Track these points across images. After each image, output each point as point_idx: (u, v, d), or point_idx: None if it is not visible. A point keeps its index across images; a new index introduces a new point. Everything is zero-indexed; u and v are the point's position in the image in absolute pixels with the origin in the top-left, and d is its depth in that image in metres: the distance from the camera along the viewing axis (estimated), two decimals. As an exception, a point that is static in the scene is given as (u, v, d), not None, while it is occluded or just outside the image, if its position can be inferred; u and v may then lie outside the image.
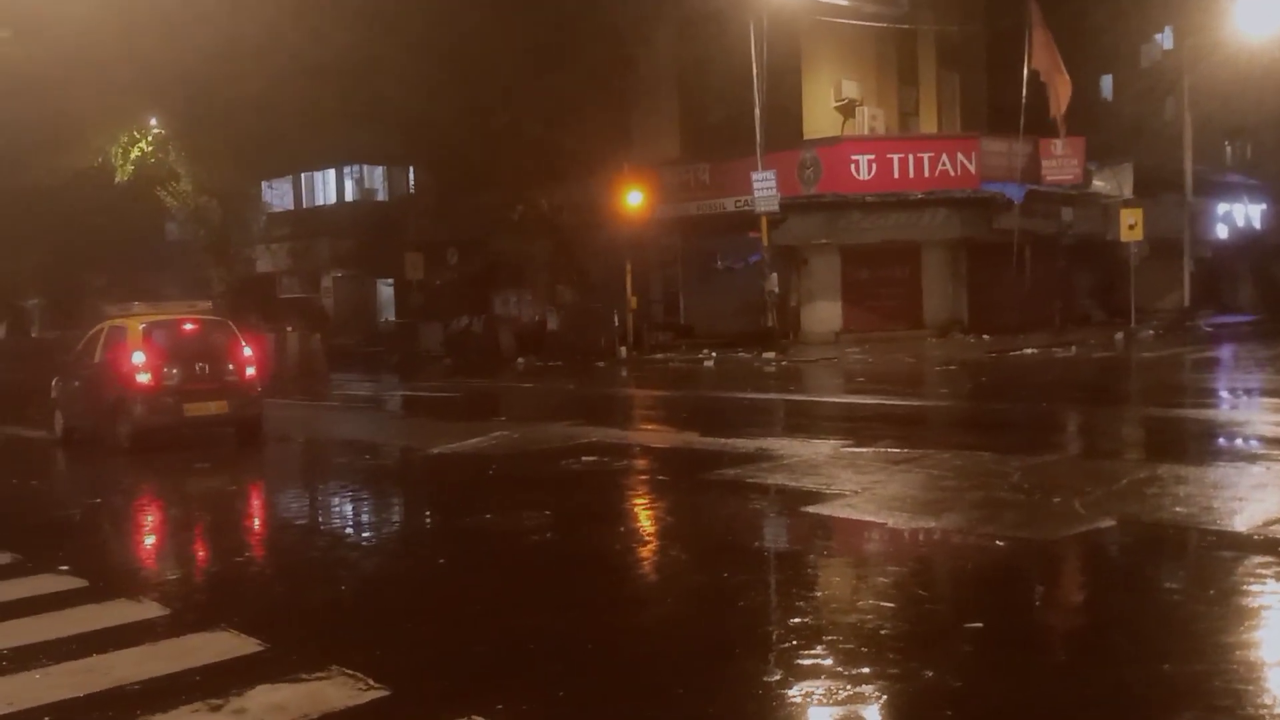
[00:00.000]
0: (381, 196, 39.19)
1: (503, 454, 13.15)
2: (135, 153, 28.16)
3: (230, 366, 15.76)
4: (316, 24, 23.97)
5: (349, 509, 11.04)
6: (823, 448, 12.03)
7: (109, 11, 20.03)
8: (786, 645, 5.70)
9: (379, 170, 38.97)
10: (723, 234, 30.14)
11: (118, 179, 28.36)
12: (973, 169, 29.40)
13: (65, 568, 7.91)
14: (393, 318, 38.67)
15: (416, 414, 20.54)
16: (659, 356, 28.49)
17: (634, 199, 28.52)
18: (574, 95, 28.14)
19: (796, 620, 6.15)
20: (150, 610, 6.82)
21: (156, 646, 6.09)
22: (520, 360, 29.45)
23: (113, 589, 7.34)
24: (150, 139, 28.20)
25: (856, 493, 9.46)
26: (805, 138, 29.78)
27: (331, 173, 39.59)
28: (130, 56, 21.54)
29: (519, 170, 29.80)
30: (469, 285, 35.07)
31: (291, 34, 22.95)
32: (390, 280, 38.59)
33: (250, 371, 15.87)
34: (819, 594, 7.02)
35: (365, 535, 9.77)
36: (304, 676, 5.45)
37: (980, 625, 5.94)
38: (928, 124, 32.24)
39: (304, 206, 40.72)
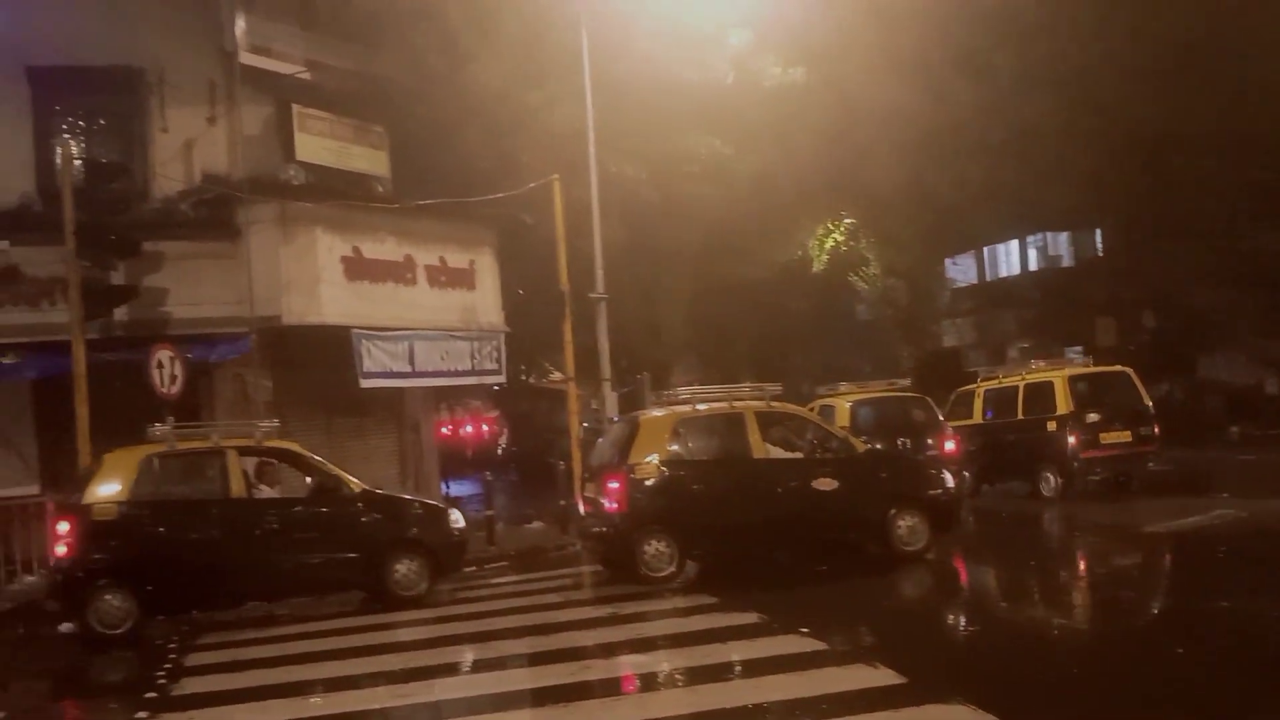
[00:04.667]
0: (1067, 262, 38.07)
1: (1231, 534, 11.97)
2: (830, 243, 30.40)
3: (929, 441, 16.34)
4: (996, 101, 24.19)
5: (1066, 586, 10.75)
6: None
7: (807, 118, 22.03)
8: None
9: (1063, 236, 37.94)
10: None
11: (815, 268, 30.77)
12: None
13: (805, 630, 8.61)
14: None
15: (1121, 488, 19.42)
16: None
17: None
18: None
19: None
20: (886, 677, 7.13)
21: (898, 714, 6.34)
22: (1234, 429, 26.57)
23: (851, 654, 7.84)
24: (842, 229, 30.30)
25: None
26: None
27: (1014, 243, 39.35)
28: (827, 155, 23.39)
29: (1224, 216, 27.18)
30: (1167, 348, 32.52)
31: (973, 115, 23.40)
32: (1079, 347, 37.16)
33: (950, 446, 16.28)
34: None
35: (1087, 614, 9.42)
36: (1049, 762, 5.36)
37: None
38: None
39: (987, 279, 40.89)
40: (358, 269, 16.76)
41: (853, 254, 31.90)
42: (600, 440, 14.10)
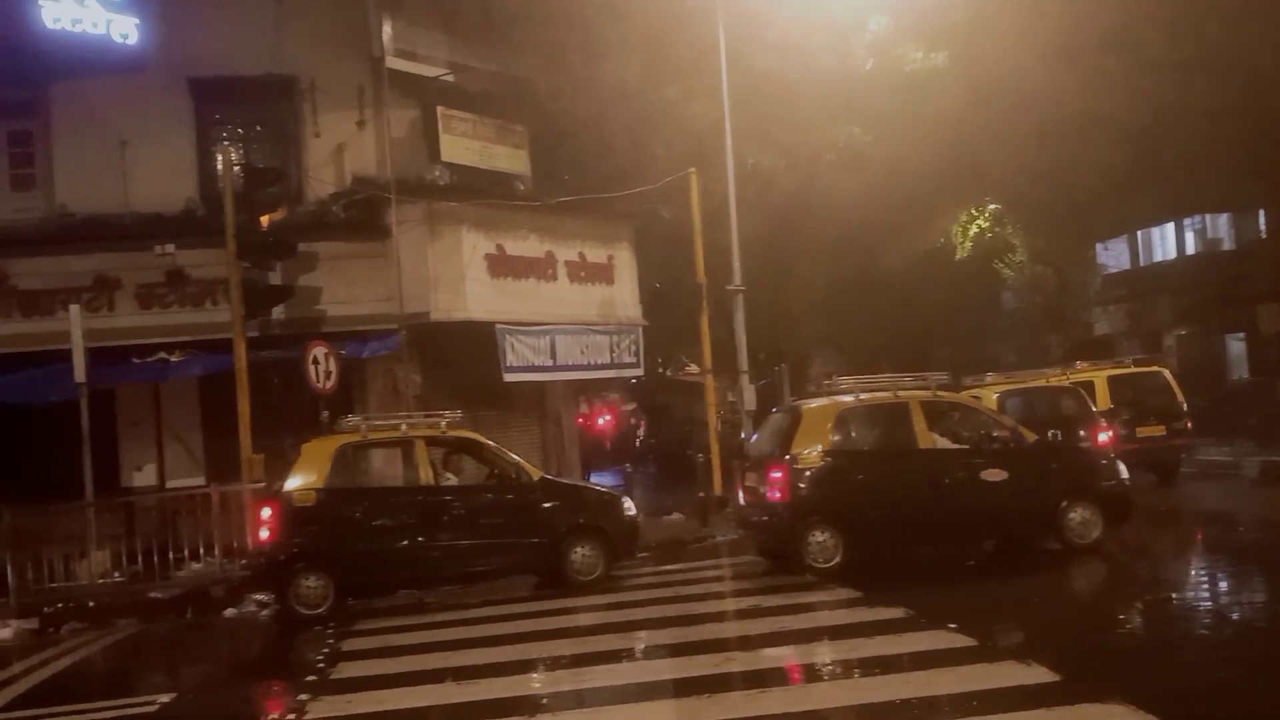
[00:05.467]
0: (1227, 246, 36.28)
1: None
2: (973, 230, 29.55)
3: (1082, 433, 15.83)
4: (1147, 82, 23.17)
5: (1228, 585, 10.30)
6: None
7: (946, 102, 21.48)
8: None
9: (1223, 218, 36.16)
10: None
11: (957, 256, 29.97)
12: None
13: (954, 625, 8.45)
14: (1246, 375, 35.36)
15: (1285, 483, 18.52)
16: None
17: None
18: None
19: None
20: (1039, 675, 6.93)
21: (1051, 712, 6.15)
22: None
23: (1001, 650, 7.66)
24: (987, 215, 29.45)
25: None
26: None
27: (1170, 227, 37.66)
28: (968, 140, 22.79)
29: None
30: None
31: (1124, 97, 22.47)
32: (1241, 335, 35.41)
33: (1103, 438, 15.75)
34: None
35: (1251, 615, 8.99)
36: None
37: None
38: None
39: (1140, 264, 39.28)
40: (501, 266, 17.13)
41: (998, 240, 30.96)
42: (757, 431, 14.05)
